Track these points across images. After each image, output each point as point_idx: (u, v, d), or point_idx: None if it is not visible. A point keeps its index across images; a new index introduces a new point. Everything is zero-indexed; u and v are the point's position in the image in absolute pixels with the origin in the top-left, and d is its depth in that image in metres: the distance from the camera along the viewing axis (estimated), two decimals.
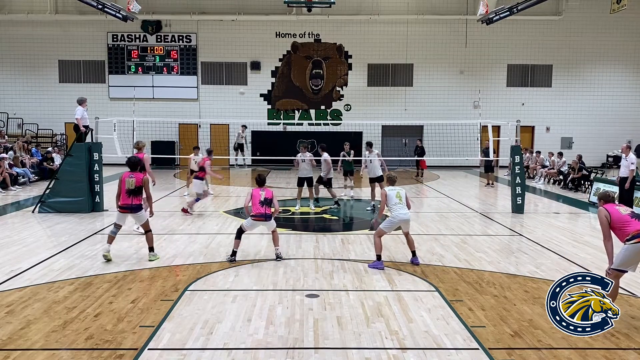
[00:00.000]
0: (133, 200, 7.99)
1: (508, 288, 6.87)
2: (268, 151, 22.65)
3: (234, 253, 8.12)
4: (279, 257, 8.21)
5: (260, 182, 8.35)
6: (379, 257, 7.82)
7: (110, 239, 8.19)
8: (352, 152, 14.84)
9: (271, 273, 7.47)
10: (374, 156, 13.12)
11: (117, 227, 8.25)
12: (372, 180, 13.16)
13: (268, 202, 8.01)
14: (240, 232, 8.17)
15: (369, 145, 13.54)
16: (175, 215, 12.07)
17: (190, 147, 25.45)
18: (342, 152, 14.94)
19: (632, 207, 11.81)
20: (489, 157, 16.82)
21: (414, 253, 8.07)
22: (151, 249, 8.21)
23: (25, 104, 25.24)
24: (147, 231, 8.20)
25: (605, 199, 6.27)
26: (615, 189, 13.80)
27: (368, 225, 11.24)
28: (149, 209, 8.43)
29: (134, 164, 8.17)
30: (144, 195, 8.25)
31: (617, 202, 6.46)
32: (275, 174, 21.71)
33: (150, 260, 8.04)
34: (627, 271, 5.87)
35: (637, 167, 15.27)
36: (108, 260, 7.97)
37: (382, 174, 12.91)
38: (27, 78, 25.46)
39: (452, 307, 6.10)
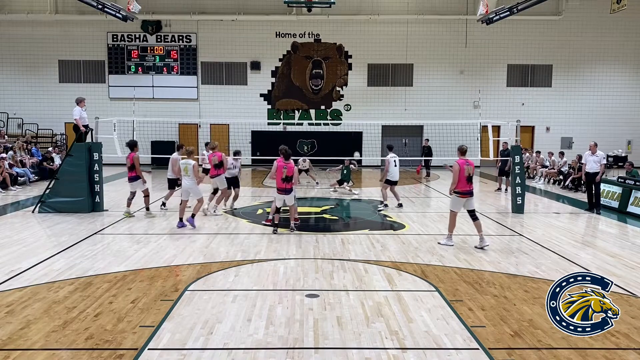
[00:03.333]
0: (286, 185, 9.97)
1: (508, 288, 6.87)
2: (268, 151, 22.63)
3: (274, 225, 9.99)
4: (292, 229, 10.09)
5: (286, 155, 9.82)
6: (181, 220, 10.54)
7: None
8: (352, 166, 15.95)
9: (271, 273, 7.47)
10: (390, 158, 13.22)
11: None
12: (389, 182, 13.38)
13: (288, 179, 9.71)
14: (277, 208, 10.00)
15: (389, 148, 13.71)
16: (175, 215, 12.04)
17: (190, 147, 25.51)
18: (342, 166, 15.76)
19: (599, 200, 13.24)
20: (507, 158, 16.40)
21: (192, 215, 10.46)
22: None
23: (25, 104, 25.24)
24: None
25: (462, 151, 9.09)
26: (616, 189, 13.84)
27: (368, 225, 11.25)
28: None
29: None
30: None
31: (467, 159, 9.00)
32: None
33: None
34: (457, 212, 9.17)
35: (633, 166, 15.31)
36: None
37: (397, 179, 13.39)
38: (27, 78, 25.47)
39: (452, 307, 6.10)
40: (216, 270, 7.54)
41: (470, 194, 8.95)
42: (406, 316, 5.82)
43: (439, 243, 9.26)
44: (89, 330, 5.34)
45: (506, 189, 16.70)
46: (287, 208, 10.34)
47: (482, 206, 14.08)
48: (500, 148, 16.95)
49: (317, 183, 17.87)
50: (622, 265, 8.08)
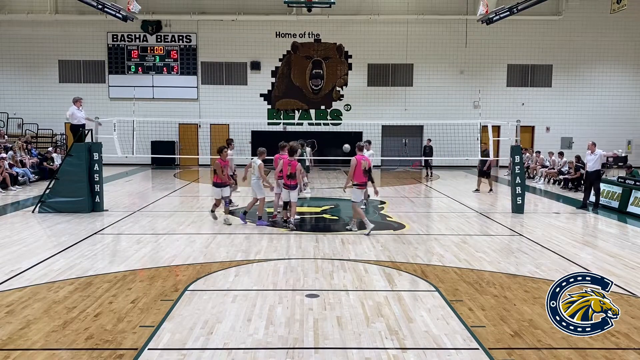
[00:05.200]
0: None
1: (508, 288, 6.87)
2: (268, 151, 22.58)
3: (286, 220, 10.60)
4: (292, 228, 10.19)
5: (291, 152, 10.35)
6: (260, 217, 10.92)
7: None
8: (307, 149, 15.93)
9: (271, 273, 7.46)
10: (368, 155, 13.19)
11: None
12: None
13: (292, 176, 10.19)
14: (285, 203, 10.59)
15: (368, 143, 13.76)
16: (175, 215, 12.06)
17: (190, 147, 25.51)
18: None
19: (599, 199, 13.55)
20: (486, 157, 16.30)
21: (245, 212, 11.01)
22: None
23: (25, 104, 25.24)
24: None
25: (360, 148, 10.18)
26: (616, 189, 13.84)
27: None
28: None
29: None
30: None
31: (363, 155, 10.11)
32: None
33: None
34: (360, 201, 10.31)
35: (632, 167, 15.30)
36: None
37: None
38: (27, 78, 25.46)
39: (452, 307, 6.09)
40: (216, 270, 7.54)
41: (365, 185, 10.29)
42: (406, 316, 5.82)
43: (347, 228, 10.33)
44: (89, 330, 5.34)
45: (490, 190, 16.66)
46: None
47: (482, 206, 14.09)
48: (483, 149, 16.77)
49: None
50: (622, 265, 8.08)
